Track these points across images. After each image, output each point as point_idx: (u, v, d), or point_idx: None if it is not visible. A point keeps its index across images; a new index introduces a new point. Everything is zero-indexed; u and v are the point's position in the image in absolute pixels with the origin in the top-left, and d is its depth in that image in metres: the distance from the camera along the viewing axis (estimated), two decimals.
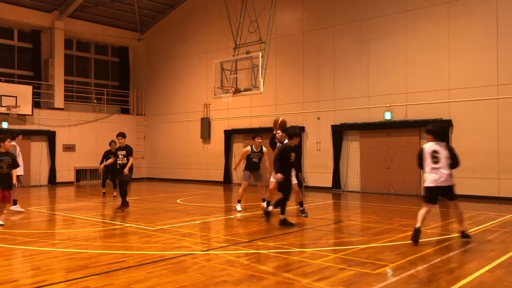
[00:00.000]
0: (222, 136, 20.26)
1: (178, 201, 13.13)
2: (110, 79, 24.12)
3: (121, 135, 11.15)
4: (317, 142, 17.18)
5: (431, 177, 7.24)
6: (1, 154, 8.72)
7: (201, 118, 21.05)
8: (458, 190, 14.06)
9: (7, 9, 19.33)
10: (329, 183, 16.72)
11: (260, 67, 13.88)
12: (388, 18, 15.66)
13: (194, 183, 20.43)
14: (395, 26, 15.49)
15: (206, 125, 20.85)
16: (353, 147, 16.44)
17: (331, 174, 16.66)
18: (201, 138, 21.13)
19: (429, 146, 7.36)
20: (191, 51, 21.79)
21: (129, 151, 11.03)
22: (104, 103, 22.54)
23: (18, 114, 18.53)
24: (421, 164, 7.46)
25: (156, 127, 23.38)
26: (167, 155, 22.60)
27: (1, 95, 18.00)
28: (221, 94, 14.76)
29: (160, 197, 14.45)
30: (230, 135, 20.06)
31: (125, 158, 10.95)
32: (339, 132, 16.56)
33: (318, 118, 17.24)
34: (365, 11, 16.22)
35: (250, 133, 19.06)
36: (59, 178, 20.15)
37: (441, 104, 14.44)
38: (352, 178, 16.36)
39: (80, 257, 6.23)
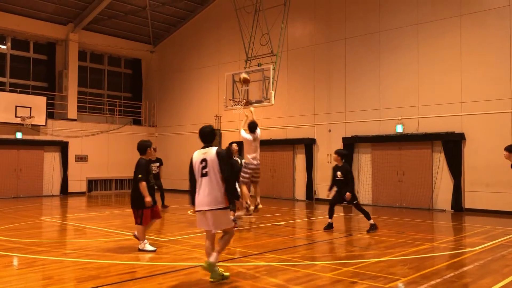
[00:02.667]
0: None
1: (189, 212, 13.14)
2: (122, 91, 24.37)
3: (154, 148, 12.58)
4: (328, 155, 17.12)
5: None
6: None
7: None
8: (472, 204, 13.93)
9: (24, 22, 19.71)
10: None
11: (272, 79, 13.94)
12: (400, 30, 15.66)
13: None
14: (407, 38, 15.48)
15: (217, 137, 20.92)
16: (364, 160, 16.35)
17: None
18: None
19: None
20: (203, 63, 21.96)
21: (161, 162, 14.07)
22: (116, 114, 22.75)
23: (32, 125, 18.76)
24: None
25: (168, 138, 23.51)
26: (179, 166, 22.65)
27: (16, 106, 18.27)
28: (232, 106, 14.83)
29: (171, 208, 14.47)
30: (241, 147, 20.03)
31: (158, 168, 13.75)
32: (350, 145, 16.50)
33: (329, 131, 17.21)
34: (377, 24, 16.26)
35: (261, 145, 19.10)
36: (71, 188, 20.30)
37: (454, 117, 14.34)
38: (364, 191, 16.25)
39: (91, 267, 6.26)
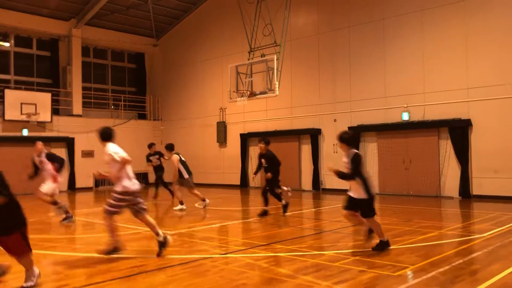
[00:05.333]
0: (238, 140, 20.29)
1: (196, 205, 13.18)
2: (127, 85, 24.39)
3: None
4: (333, 144, 17.08)
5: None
6: None
7: (217, 122, 21.13)
8: (480, 191, 13.86)
9: (26, 18, 19.72)
10: (346, 186, 16.51)
11: (275, 70, 13.90)
12: (404, 17, 15.52)
13: (211, 187, 20.49)
14: (411, 25, 15.34)
15: (222, 129, 20.92)
16: (370, 149, 16.31)
17: None
18: (217, 142, 21.20)
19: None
20: (206, 55, 21.91)
21: (160, 154, 15.02)
22: (121, 109, 22.79)
23: (37, 122, 18.85)
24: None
25: (173, 132, 23.54)
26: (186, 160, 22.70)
27: (21, 103, 18.33)
28: (236, 98, 14.81)
29: (178, 201, 14.51)
30: (246, 139, 20.09)
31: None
32: (356, 134, 16.45)
33: (335, 120, 17.16)
34: (381, 11, 16.11)
35: (267, 136, 19.11)
36: (78, 184, 20.42)
37: (460, 103, 14.24)
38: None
39: (101, 261, 6.30)
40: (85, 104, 21.60)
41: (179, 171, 12.15)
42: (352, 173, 6.54)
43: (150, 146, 15.46)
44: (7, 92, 18.30)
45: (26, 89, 19.44)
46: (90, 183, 21.03)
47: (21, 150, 18.48)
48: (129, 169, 6.56)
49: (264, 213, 10.55)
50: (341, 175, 6.57)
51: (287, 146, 18.50)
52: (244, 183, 19.98)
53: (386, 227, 8.92)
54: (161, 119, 24.11)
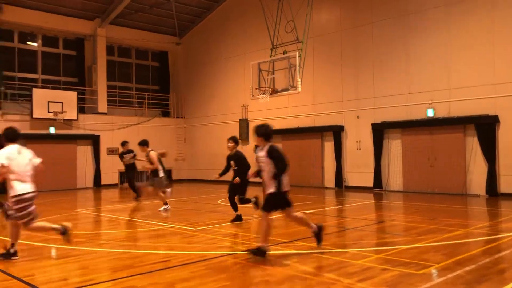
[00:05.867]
0: None
1: (219, 201, 13.26)
2: (151, 83, 24.67)
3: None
4: (357, 141, 16.94)
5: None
6: None
7: (240, 120, 21.18)
8: (507, 189, 13.54)
9: (53, 18, 20.12)
10: (370, 183, 16.45)
11: (298, 67, 13.84)
12: (428, 12, 15.23)
13: None
14: (436, 20, 15.05)
15: (244, 126, 20.97)
16: (394, 146, 16.09)
17: (372, 174, 16.38)
18: (239, 139, 21.22)
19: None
20: (228, 53, 21.97)
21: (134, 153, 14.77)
22: (145, 107, 23.09)
23: (64, 120, 19.26)
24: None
25: (196, 129, 23.72)
26: (207, 157, 22.86)
27: (48, 102, 18.75)
28: (259, 95, 14.81)
29: (201, 198, 14.64)
30: None
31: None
32: (379, 131, 16.27)
33: (358, 117, 16.99)
34: (404, 7, 15.85)
35: (289, 133, 19.09)
36: (104, 181, 20.78)
37: (487, 99, 13.91)
38: (394, 177, 16.02)
39: (125, 257, 6.40)
40: (110, 102, 21.96)
41: (155, 169, 11.59)
42: (282, 164, 6.07)
43: (124, 144, 15.02)
44: (35, 91, 18.74)
45: (53, 88, 19.87)
46: (115, 180, 21.36)
47: (48, 147, 18.94)
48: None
49: (237, 219, 9.39)
50: (276, 174, 6.06)
51: (310, 143, 18.43)
52: None
53: (410, 225, 8.81)
54: (184, 117, 24.31)
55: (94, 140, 20.57)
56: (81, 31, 21.23)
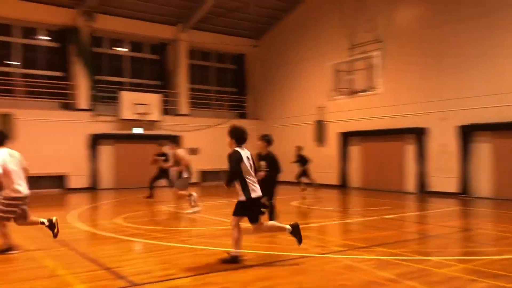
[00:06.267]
0: (337, 139, 19.99)
1: (294, 203, 13.24)
2: (229, 86, 25.24)
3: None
4: (441, 145, 16.09)
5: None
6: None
7: (315, 121, 21.00)
8: None
9: (139, 25, 21.25)
10: (454, 188, 15.55)
11: (377, 67, 13.46)
12: None
13: (307, 186, 20.43)
14: None
15: (320, 128, 20.77)
16: (483, 149, 15.06)
17: (457, 179, 15.47)
18: (315, 141, 21.08)
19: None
20: (305, 54, 21.89)
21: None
22: (224, 109, 23.67)
23: (149, 121, 20.34)
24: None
25: (272, 131, 23.76)
26: (282, 158, 22.87)
27: (135, 104, 19.90)
28: (336, 96, 14.62)
29: (276, 198, 14.70)
30: (346, 138, 19.72)
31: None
32: (466, 133, 15.31)
33: (443, 119, 16.12)
34: (494, 2, 14.79)
35: (368, 135, 18.61)
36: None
37: None
38: (483, 183, 14.99)
39: (205, 253, 6.60)
40: (191, 104, 22.82)
41: (182, 168, 11.16)
42: (228, 172, 5.93)
43: (162, 144, 14.83)
44: (124, 94, 19.98)
45: (139, 91, 21.04)
46: (197, 178, 22.10)
47: (135, 146, 20.11)
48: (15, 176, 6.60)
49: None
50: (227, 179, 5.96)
51: (390, 146, 17.84)
52: (343, 183, 19.64)
53: (501, 234, 8.21)
54: (260, 118, 24.59)
55: (175, 140, 21.42)
56: (164, 36, 22.25)
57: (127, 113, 19.78)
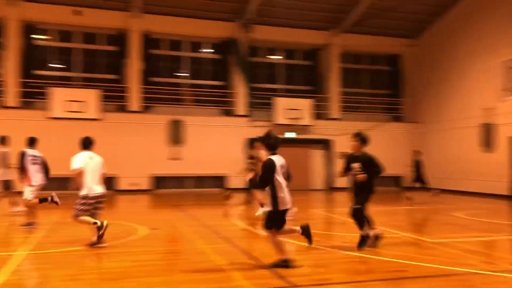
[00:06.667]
0: (508, 144, 17.85)
1: (455, 214, 12.20)
2: (382, 88, 24.43)
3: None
4: None
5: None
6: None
7: (481, 124, 19.06)
8: None
9: (293, 33, 21.83)
10: None
11: None
12: None
13: (472, 195, 18.63)
14: None
15: (487, 132, 18.78)
16: None
17: None
18: (480, 146, 19.14)
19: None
20: (469, 51, 20.02)
21: None
22: (377, 112, 23.02)
23: (301, 125, 20.82)
24: None
25: (430, 135, 22.39)
26: (441, 164, 21.35)
27: (288, 109, 20.60)
28: (508, 96, 13.10)
29: (439, 208, 13.73)
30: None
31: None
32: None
33: None
34: None
35: None
36: (337, 184, 21.55)
37: None
38: None
39: (361, 261, 6.49)
40: (342, 108, 22.69)
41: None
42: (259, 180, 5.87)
43: (252, 146, 13.73)
44: (277, 100, 20.82)
45: (291, 97, 21.69)
46: (344, 182, 21.90)
47: (287, 150, 20.74)
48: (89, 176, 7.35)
49: (363, 241, 7.20)
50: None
51: None
52: None
53: None
54: (417, 121, 23.27)
55: (325, 144, 21.56)
56: (316, 41, 22.52)
57: (280, 118, 20.55)
